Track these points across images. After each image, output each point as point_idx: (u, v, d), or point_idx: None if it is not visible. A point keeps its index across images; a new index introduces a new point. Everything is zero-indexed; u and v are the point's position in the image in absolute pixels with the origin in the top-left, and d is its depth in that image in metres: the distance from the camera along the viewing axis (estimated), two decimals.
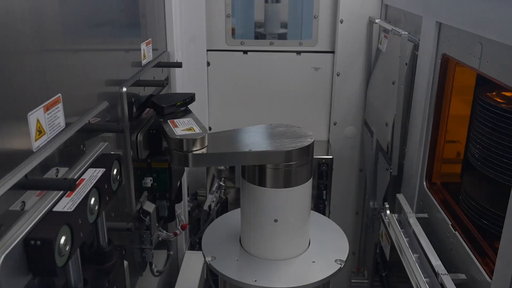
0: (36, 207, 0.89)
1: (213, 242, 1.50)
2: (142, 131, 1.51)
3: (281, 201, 1.37)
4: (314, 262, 1.41)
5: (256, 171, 1.35)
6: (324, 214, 2.81)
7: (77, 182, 0.98)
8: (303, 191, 1.39)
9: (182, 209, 2.21)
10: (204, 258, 1.43)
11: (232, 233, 1.53)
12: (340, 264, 1.39)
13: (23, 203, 0.86)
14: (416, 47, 1.87)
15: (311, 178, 1.41)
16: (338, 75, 2.59)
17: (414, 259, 1.52)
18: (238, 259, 1.43)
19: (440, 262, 1.44)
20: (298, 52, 2.64)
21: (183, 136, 1.33)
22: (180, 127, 1.41)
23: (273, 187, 1.35)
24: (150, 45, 1.72)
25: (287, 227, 1.39)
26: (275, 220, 1.37)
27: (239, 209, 1.49)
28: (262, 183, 1.35)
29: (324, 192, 2.71)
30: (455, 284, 1.34)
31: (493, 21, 1.26)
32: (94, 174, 1.04)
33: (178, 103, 1.56)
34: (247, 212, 1.42)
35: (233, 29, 2.67)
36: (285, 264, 1.41)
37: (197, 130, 1.39)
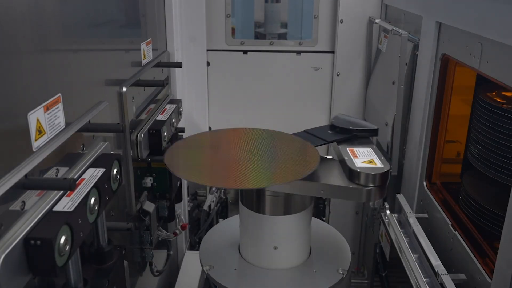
0: (36, 207, 0.89)
1: (211, 250, 1.45)
2: (142, 131, 1.51)
3: (280, 229, 1.32)
4: (315, 271, 1.36)
5: (254, 197, 1.30)
6: (324, 214, 2.81)
7: (77, 182, 0.98)
8: (304, 218, 1.34)
9: (182, 209, 2.21)
10: (202, 267, 1.37)
11: (231, 240, 1.48)
12: (343, 273, 1.34)
13: (23, 203, 0.86)
14: (416, 47, 1.87)
15: (312, 203, 1.37)
16: (338, 75, 2.59)
17: (414, 259, 1.52)
18: (236, 269, 1.37)
19: (440, 262, 1.44)
20: (298, 52, 2.64)
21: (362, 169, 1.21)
22: (361, 158, 1.29)
23: (272, 214, 1.30)
24: (150, 45, 1.72)
25: (287, 253, 1.35)
26: (275, 248, 1.33)
27: (238, 216, 1.44)
28: (260, 210, 1.31)
29: None
30: (455, 284, 1.34)
31: (493, 21, 1.26)
32: (94, 174, 1.04)
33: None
34: (246, 238, 1.38)
35: (233, 29, 2.67)
36: (285, 273, 1.35)
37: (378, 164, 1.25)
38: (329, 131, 1.45)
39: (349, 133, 1.41)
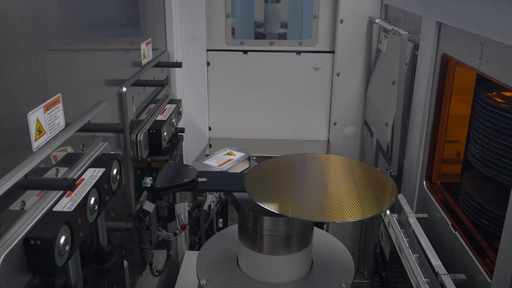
0: (36, 207, 0.89)
1: (209, 262, 1.41)
2: (142, 131, 1.51)
3: (280, 268, 1.30)
4: (317, 286, 1.32)
5: (250, 234, 1.28)
6: None
7: (77, 182, 0.98)
8: (305, 255, 1.31)
9: (182, 209, 2.21)
10: (199, 280, 1.34)
11: (229, 252, 1.43)
12: None
13: (23, 203, 0.86)
14: (416, 47, 1.87)
15: (312, 242, 1.34)
16: (338, 75, 2.59)
17: (414, 259, 1.51)
18: (235, 283, 1.33)
19: (440, 262, 1.44)
20: (298, 52, 2.64)
21: None
22: None
23: (271, 254, 1.28)
24: (150, 45, 1.72)
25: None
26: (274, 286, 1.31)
27: (235, 226, 1.41)
28: (260, 250, 1.28)
29: None
30: (455, 284, 1.33)
31: (493, 21, 1.26)
32: (94, 174, 1.04)
33: None
34: (245, 272, 1.35)
35: (233, 29, 2.67)
36: None
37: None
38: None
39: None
